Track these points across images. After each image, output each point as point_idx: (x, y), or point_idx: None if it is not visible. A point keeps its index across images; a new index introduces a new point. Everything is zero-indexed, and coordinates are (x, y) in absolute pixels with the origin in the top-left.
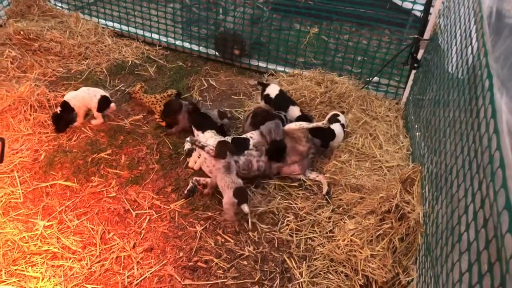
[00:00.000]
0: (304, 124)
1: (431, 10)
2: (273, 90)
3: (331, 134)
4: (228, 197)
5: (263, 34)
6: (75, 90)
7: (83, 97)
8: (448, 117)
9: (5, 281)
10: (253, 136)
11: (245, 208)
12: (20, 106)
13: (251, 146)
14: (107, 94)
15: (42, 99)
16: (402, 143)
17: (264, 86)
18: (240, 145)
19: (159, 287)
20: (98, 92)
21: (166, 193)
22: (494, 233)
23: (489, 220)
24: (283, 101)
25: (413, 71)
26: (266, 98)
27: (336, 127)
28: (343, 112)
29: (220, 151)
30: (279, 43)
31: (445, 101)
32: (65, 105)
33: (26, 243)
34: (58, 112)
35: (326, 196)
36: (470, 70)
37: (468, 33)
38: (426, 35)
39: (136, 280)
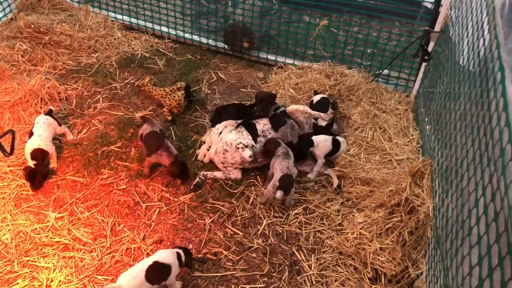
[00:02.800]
0: (308, 109)
1: (442, 1)
2: (316, 97)
3: (310, 141)
4: (274, 179)
5: (272, 27)
6: (30, 138)
7: (48, 132)
8: (459, 110)
9: (17, 272)
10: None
11: (278, 193)
12: (31, 99)
13: (259, 132)
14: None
15: (53, 92)
16: (412, 136)
17: (316, 94)
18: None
19: None
20: (44, 117)
21: (175, 186)
22: (505, 227)
23: (500, 214)
24: (321, 107)
25: (424, 64)
26: (311, 104)
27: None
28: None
29: (271, 144)
30: (288, 36)
31: (456, 94)
32: (38, 154)
33: (37, 234)
34: (33, 166)
35: (337, 190)
36: (482, 63)
37: (480, 25)
38: (437, 27)
39: None
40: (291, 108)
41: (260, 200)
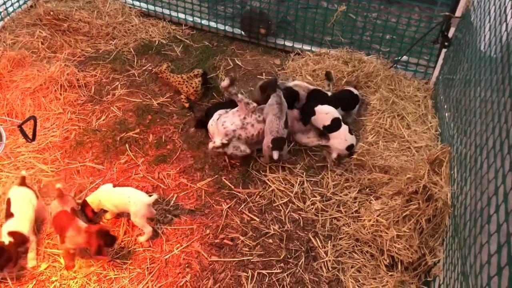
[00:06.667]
0: (309, 85)
1: None
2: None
3: (310, 111)
4: (266, 141)
5: (289, 13)
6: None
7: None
8: (479, 97)
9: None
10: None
11: (275, 154)
12: (51, 85)
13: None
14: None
15: (72, 78)
16: (430, 123)
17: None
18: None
19: (187, 263)
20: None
21: (192, 172)
22: None
23: None
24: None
25: (444, 50)
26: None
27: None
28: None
29: (270, 86)
30: (305, 22)
31: (476, 80)
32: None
33: None
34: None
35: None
36: (504, 48)
37: (502, 9)
38: (458, 12)
39: (164, 256)
40: (291, 85)
41: (264, 160)
